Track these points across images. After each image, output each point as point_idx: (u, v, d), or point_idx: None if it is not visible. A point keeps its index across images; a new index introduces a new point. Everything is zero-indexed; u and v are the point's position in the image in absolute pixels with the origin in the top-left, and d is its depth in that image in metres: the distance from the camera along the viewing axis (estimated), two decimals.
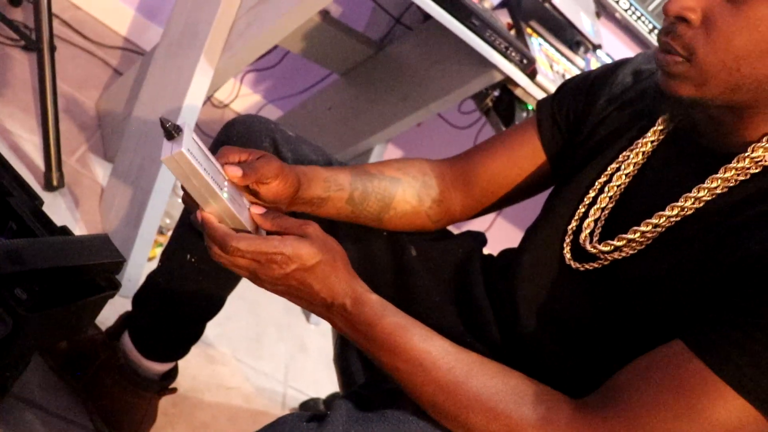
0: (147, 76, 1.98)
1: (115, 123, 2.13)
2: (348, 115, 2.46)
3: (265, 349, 2.03)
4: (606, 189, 1.00)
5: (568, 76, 1.19)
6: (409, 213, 1.17)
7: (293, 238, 0.86)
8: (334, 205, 1.10)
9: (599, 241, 0.97)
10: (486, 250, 1.27)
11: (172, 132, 0.83)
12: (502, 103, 1.97)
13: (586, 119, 1.08)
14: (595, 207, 1.00)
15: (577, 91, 1.11)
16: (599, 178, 1.02)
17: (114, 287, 1.21)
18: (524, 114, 1.92)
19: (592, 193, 1.01)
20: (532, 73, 1.83)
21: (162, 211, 1.75)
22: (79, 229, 1.82)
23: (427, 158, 1.22)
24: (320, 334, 2.25)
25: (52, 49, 1.84)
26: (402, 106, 2.24)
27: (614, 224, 0.97)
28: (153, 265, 1.42)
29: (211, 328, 1.44)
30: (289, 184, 0.97)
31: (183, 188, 0.88)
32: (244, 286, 1.37)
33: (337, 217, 1.13)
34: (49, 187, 1.83)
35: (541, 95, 1.84)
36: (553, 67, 1.93)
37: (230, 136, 1.20)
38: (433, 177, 1.18)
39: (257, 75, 2.90)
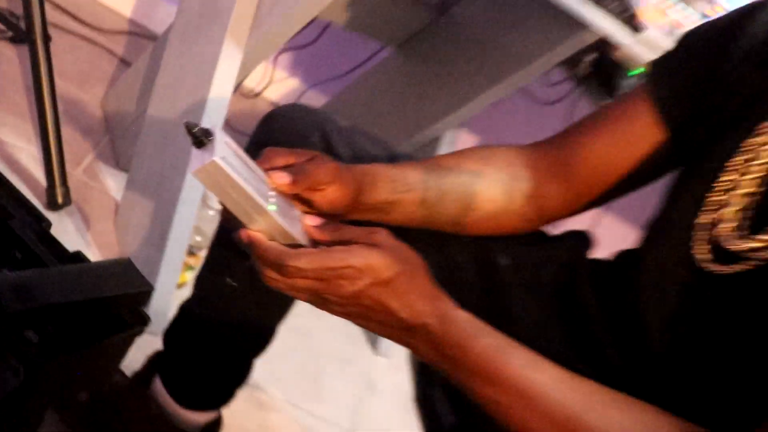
0: (161, 66, 2.01)
1: (126, 124, 2.16)
2: (408, 97, 2.46)
3: (325, 390, 2.04)
4: (748, 170, 0.97)
5: (685, 29, 1.16)
6: (496, 214, 1.16)
7: (362, 246, 0.87)
8: (404, 209, 1.10)
9: (746, 237, 0.95)
10: (595, 254, 1.25)
11: (201, 138, 0.84)
12: (601, 67, 1.96)
13: (715, 82, 1.05)
14: (734, 193, 0.97)
15: (701, 45, 1.09)
16: (736, 155, 0.99)
17: (142, 322, 1.23)
18: (628, 81, 1.90)
19: (729, 176, 0.99)
20: (636, 28, 1.81)
21: (191, 227, 1.77)
22: (92, 254, 1.85)
23: (512, 144, 1.22)
24: (392, 369, 2.26)
25: (47, 39, 1.88)
26: (474, 81, 2.23)
27: (765, 214, 0.95)
28: (184, 293, 1.44)
29: (259, 366, 1.45)
30: (349, 188, 0.98)
31: (221, 204, 0.89)
32: (294, 313, 1.38)
33: (408, 223, 1.13)
34: (53, 205, 1.87)
35: (650, 55, 1.81)
36: (665, 18, 1.90)
37: (271, 133, 1.21)
38: (524, 167, 1.17)
39: (293, 55, 2.92)
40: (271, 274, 0.87)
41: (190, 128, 0.84)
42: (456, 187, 1.13)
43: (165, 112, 1.93)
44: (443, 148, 2.37)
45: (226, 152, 0.85)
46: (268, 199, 0.89)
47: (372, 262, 0.86)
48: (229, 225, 0.93)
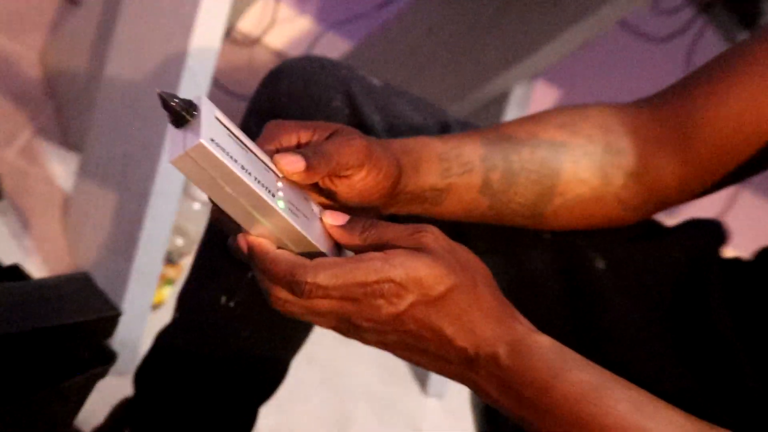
0: (123, 3, 2.01)
1: (76, 86, 2.17)
2: (462, 39, 2.46)
3: None
4: None
5: None
6: (588, 199, 1.16)
7: (403, 253, 0.86)
8: (460, 198, 1.10)
9: None
10: (727, 252, 1.25)
11: (181, 113, 0.84)
12: None
13: None
14: None
15: None
16: None
17: (105, 360, 1.24)
18: None
19: None
20: None
21: (169, 227, 1.79)
22: (34, 267, 1.87)
23: (608, 103, 1.21)
24: (446, 413, 2.26)
25: None
26: (554, 15, 2.23)
27: None
28: (163, 317, 1.45)
29: (267, 415, 1.46)
30: (384, 172, 0.98)
31: (211, 201, 0.89)
32: (313, 340, 1.39)
33: (466, 216, 1.13)
34: None
35: None
36: None
37: (276, 98, 1.22)
38: (625, 135, 1.17)
39: None
40: (281, 294, 0.87)
41: (166, 100, 0.83)
42: (531, 165, 1.13)
43: (129, 69, 1.94)
44: (512, 111, 2.37)
45: (216, 131, 0.85)
46: (275, 192, 0.88)
47: (418, 273, 0.85)
48: (221, 226, 0.93)
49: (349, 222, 0.93)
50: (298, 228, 0.88)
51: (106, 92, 2.00)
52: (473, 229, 1.18)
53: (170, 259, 1.96)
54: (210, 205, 0.92)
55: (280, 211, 0.87)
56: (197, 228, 1.94)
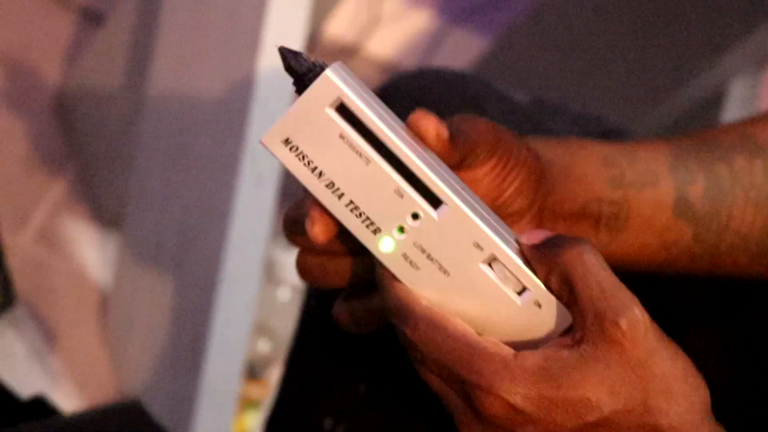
0: (162, 18, 2.04)
1: (106, 136, 2.20)
2: (645, 17, 2.45)
3: None
4: None
5: None
6: None
7: (538, 367, 0.81)
8: (649, 220, 1.06)
9: None
10: None
11: (299, 76, 0.83)
12: None
13: None
14: None
15: None
16: None
17: None
18: None
19: None
20: None
21: (248, 326, 1.80)
22: (64, 395, 1.89)
23: None
24: None
25: None
26: None
27: None
28: None
29: None
30: (521, 162, 0.96)
31: (306, 191, 0.86)
32: None
33: (665, 256, 1.09)
34: None
35: None
36: None
37: None
38: None
39: None
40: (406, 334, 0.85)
41: (286, 56, 0.82)
42: (749, 180, 1.07)
43: (177, 107, 1.96)
44: (732, 115, 2.33)
45: (316, 120, 0.81)
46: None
47: (551, 399, 0.82)
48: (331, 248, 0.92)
49: (547, 242, 0.88)
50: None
51: (148, 141, 2.02)
52: (677, 291, 1.16)
53: (252, 372, 1.97)
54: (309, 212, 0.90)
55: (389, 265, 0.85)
56: (287, 326, 1.93)
